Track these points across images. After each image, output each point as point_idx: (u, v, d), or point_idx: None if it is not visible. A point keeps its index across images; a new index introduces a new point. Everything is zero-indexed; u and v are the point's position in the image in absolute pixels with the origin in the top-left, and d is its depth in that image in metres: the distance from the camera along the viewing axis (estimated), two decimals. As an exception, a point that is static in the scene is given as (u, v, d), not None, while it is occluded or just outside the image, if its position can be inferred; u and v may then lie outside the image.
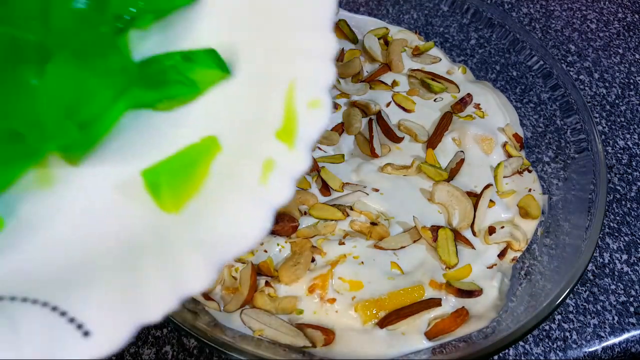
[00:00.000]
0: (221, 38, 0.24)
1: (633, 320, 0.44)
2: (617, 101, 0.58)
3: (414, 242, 0.41)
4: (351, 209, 0.42)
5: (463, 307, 0.38)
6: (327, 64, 0.21)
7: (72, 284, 0.17)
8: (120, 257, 0.18)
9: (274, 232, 0.40)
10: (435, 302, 0.38)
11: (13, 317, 0.16)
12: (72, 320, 0.16)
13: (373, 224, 0.41)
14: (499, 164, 0.46)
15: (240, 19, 0.24)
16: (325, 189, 0.43)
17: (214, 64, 0.23)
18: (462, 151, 0.47)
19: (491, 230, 0.43)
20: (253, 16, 0.23)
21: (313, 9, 0.22)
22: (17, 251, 0.18)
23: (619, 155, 0.54)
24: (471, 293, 0.39)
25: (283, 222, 0.40)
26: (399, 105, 0.50)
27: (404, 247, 0.41)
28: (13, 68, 0.19)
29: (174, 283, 0.18)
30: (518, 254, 0.43)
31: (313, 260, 0.39)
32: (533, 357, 0.41)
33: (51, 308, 0.16)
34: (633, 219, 0.50)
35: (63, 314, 0.16)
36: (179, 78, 0.22)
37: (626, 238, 0.48)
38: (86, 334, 0.16)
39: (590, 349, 0.42)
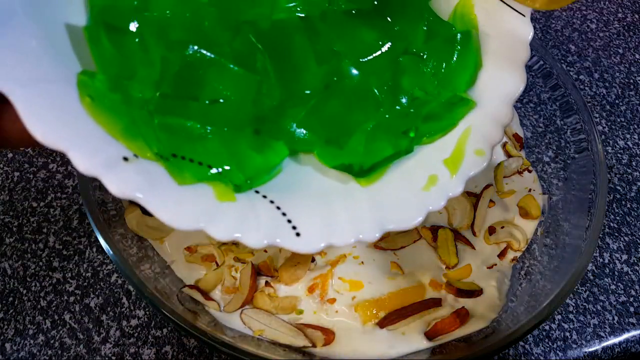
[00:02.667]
0: None
1: (633, 320, 0.44)
2: (617, 101, 0.58)
3: (414, 242, 0.41)
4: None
5: (463, 307, 0.38)
6: (500, 129, 0.28)
7: (295, 202, 0.25)
8: (323, 198, 0.26)
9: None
10: (435, 302, 0.38)
11: (255, 205, 0.24)
12: (289, 221, 0.24)
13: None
14: (499, 164, 0.46)
15: None
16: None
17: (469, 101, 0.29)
18: (462, 151, 0.47)
19: (491, 230, 0.43)
20: None
21: (500, 93, 0.29)
22: (278, 182, 0.27)
23: (619, 155, 0.54)
24: (471, 293, 0.39)
25: (283, 222, 0.40)
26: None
27: (404, 247, 0.41)
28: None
29: (354, 224, 0.25)
30: (518, 254, 0.43)
31: (313, 260, 0.39)
32: (533, 357, 0.41)
33: (276, 207, 0.25)
34: (633, 219, 0.49)
35: (284, 214, 0.24)
36: (447, 115, 0.29)
37: (626, 238, 0.48)
38: (298, 234, 0.24)
39: (590, 349, 0.42)
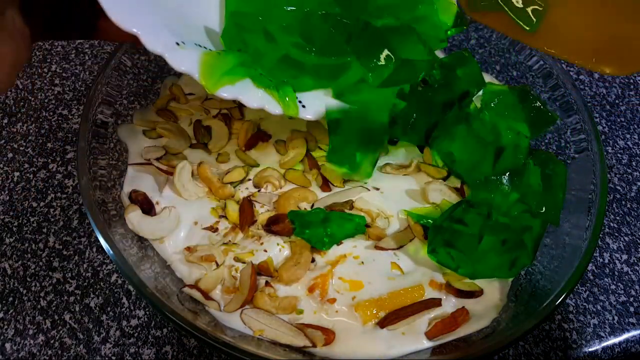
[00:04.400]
0: None
1: (633, 320, 0.44)
2: (617, 101, 0.58)
3: (410, 241, 0.41)
4: (352, 207, 0.42)
5: (463, 307, 0.38)
6: None
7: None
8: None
9: (274, 232, 0.40)
10: (435, 302, 0.38)
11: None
12: (300, 102, 0.38)
13: (367, 226, 0.41)
14: (499, 164, 0.46)
15: None
16: (326, 185, 0.43)
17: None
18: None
19: (491, 230, 0.43)
20: None
21: None
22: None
23: (619, 155, 0.54)
24: (471, 293, 0.39)
25: (283, 222, 0.40)
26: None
27: (403, 245, 0.41)
28: None
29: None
30: (518, 254, 0.43)
31: (313, 260, 0.39)
32: (533, 357, 0.41)
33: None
34: (633, 219, 0.50)
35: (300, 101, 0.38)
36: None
37: (626, 238, 0.48)
38: (304, 106, 0.38)
39: (590, 349, 0.42)
